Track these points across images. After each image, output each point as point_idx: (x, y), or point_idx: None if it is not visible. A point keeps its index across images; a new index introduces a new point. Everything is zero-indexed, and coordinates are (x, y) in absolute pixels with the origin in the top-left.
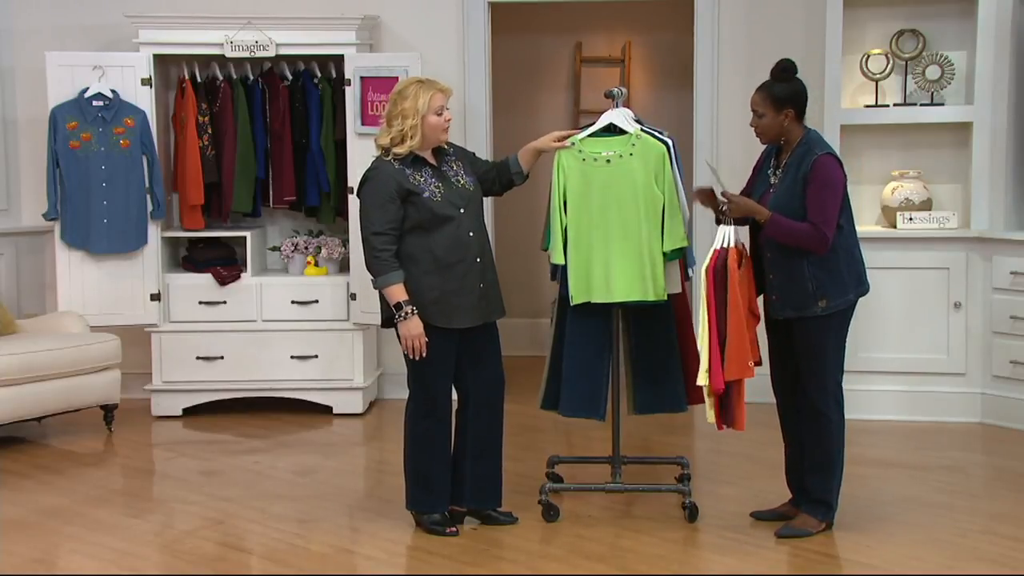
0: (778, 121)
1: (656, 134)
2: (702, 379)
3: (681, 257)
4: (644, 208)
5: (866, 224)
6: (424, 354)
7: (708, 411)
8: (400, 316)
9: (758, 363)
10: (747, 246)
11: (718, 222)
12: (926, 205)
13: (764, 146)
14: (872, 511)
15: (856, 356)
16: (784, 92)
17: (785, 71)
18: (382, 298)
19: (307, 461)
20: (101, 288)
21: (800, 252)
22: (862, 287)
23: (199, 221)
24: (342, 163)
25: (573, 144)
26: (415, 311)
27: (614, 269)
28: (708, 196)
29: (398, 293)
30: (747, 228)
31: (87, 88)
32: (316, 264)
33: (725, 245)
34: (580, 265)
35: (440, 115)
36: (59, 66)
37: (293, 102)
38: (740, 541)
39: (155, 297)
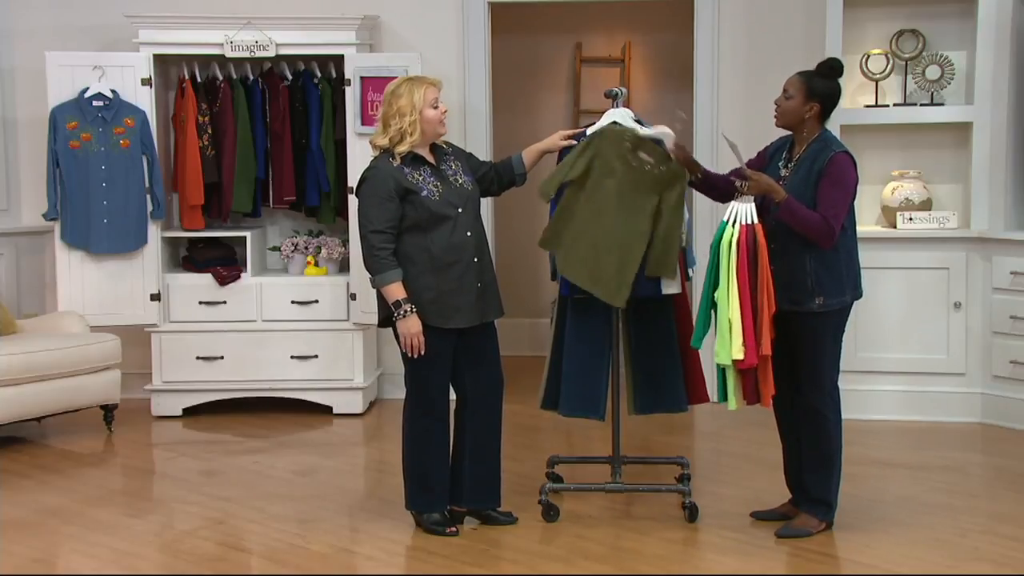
0: (801, 110)
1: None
2: (738, 353)
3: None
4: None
5: (866, 224)
6: (423, 352)
7: (731, 396)
8: (399, 314)
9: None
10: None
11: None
12: (926, 205)
13: (771, 140)
14: (872, 511)
15: (856, 356)
16: (820, 87)
17: (832, 69)
18: (379, 297)
19: (307, 461)
20: (101, 288)
21: (804, 246)
22: (857, 291)
23: (199, 221)
24: (342, 163)
25: (580, 137)
26: (414, 309)
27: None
28: (685, 154)
29: (397, 291)
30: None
31: (87, 88)
32: (316, 264)
33: (749, 221)
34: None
35: (436, 108)
36: (59, 66)
37: (293, 102)
38: (740, 541)
39: (155, 297)
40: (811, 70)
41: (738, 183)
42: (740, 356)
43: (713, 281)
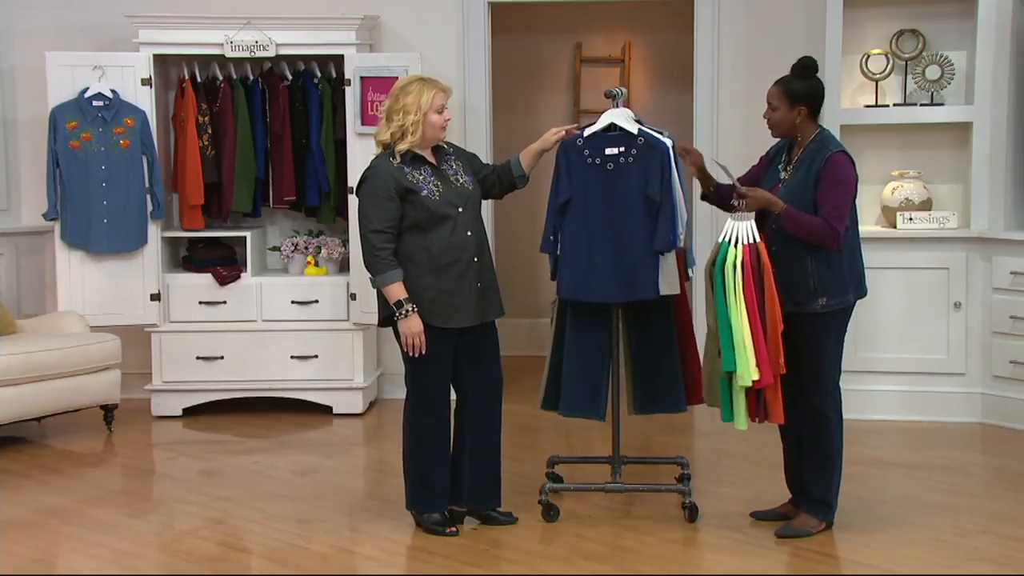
0: (790, 117)
1: (656, 134)
2: (754, 374)
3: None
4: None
5: (866, 224)
6: (424, 352)
7: (741, 416)
8: (401, 314)
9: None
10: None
11: (731, 210)
12: (926, 205)
13: (772, 141)
14: (872, 511)
15: (856, 356)
16: (800, 89)
17: (805, 68)
18: (380, 296)
19: (307, 461)
20: (101, 288)
21: (805, 247)
22: (861, 289)
23: (199, 221)
24: (342, 163)
25: (578, 138)
26: (415, 309)
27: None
28: (697, 162)
29: (398, 291)
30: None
31: (87, 88)
32: (316, 264)
33: (750, 240)
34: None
35: (440, 114)
36: (59, 66)
37: (293, 102)
38: (740, 541)
39: (155, 297)
40: (787, 75)
41: (735, 201)
42: (757, 376)
43: (723, 303)
